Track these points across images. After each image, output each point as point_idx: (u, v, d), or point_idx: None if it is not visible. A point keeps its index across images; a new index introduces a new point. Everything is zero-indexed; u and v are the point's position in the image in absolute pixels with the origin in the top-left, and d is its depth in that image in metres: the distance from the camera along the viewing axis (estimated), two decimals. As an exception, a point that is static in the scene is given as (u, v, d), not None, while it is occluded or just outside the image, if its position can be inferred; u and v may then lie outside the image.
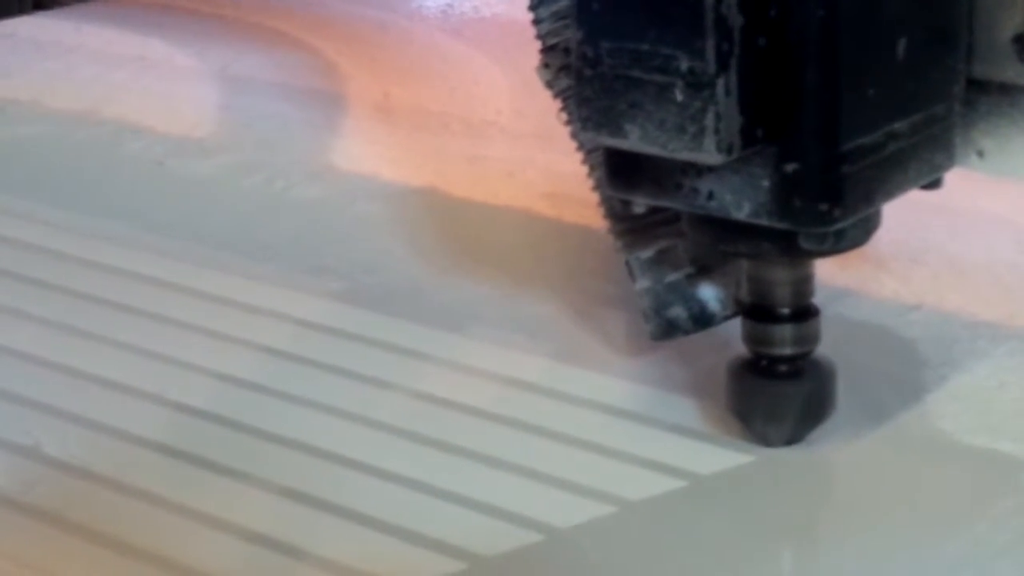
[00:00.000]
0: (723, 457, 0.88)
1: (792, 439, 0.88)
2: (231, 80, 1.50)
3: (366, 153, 1.32)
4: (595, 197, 0.93)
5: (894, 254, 1.08)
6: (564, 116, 0.92)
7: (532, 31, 0.91)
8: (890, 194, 0.82)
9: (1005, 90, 0.85)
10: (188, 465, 0.90)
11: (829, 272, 0.99)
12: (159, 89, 1.49)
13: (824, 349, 0.88)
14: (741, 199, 0.79)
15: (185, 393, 0.97)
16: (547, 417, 0.93)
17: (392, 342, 1.02)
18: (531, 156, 1.27)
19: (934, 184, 0.85)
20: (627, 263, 0.93)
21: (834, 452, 0.88)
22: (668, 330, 0.94)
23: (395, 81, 1.47)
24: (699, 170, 0.80)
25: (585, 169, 0.93)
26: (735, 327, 0.89)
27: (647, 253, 0.93)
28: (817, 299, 0.88)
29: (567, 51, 0.85)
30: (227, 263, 1.14)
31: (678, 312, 0.93)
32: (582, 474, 0.87)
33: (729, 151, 0.76)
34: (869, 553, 0.80)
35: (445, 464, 0.89)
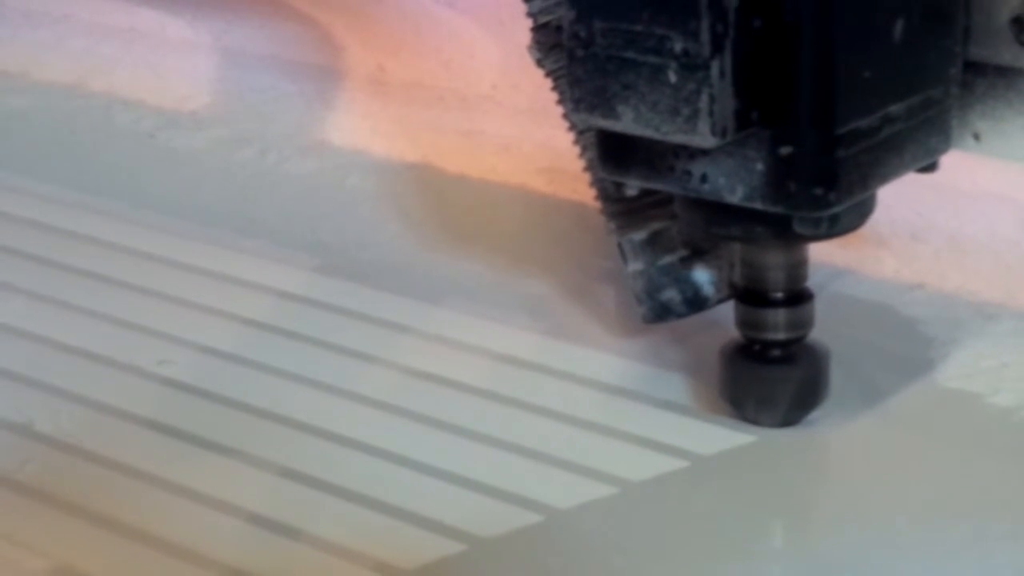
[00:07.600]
0: (724, 437, 0.87)
1: (784, 425, 0.87)
2: (223, 52, 1.49)
3: (360, 127, 1.31)
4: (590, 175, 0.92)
5: (894, 232, 1.07)
6: (556, 95, 0.91)
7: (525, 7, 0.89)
8: (886, 178, 0.81)
9: (1002, 72, 0.84)
10: (179, 441, 0.89)
11: (828, 250, 0.98)
12: (150, 61, 1.47)
13: (824, 328, 0.88)
14: (735, 182, 0.78)
15: (177, 368, 0.96)
16: (546, 396, 0.92)
17: (386, 318, 1.01)
18: (527, 131, 1.26)
19: (930, 167, 0.84)
20: (619, 245, 0.92)
21: (835, 432, 0.88)
22: (661, 313, 0.93)
23: (389, 54, 1.45)
24: (692, 153, 0.79)
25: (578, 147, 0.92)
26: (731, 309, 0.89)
27: (640, 235, 0.92)
28: (817, 278, 0.87)
29: (559, 29, 0.84)
30: (219, 237, 1.13)
31: (671, 295, 0.93)
32: (582, 454, 0.86)
33: (723, 134, 0.75)
34: (868, 533, 0.80)
35: (442, 443, 0.88)
